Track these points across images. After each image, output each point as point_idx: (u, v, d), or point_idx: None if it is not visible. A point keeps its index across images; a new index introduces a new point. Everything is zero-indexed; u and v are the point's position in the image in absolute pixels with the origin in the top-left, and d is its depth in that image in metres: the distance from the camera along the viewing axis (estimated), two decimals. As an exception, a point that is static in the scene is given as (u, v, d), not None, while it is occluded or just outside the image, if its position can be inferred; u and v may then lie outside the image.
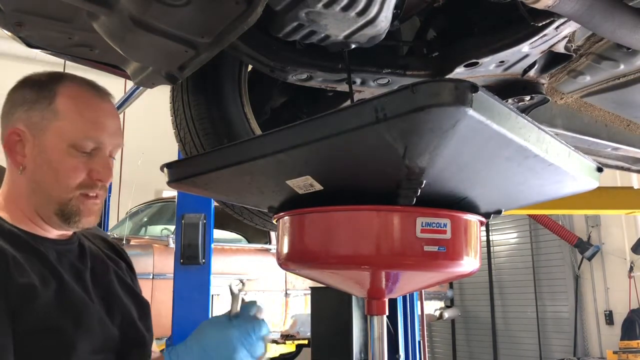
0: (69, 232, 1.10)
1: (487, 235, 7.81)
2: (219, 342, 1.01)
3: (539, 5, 1.05)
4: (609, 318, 6.50)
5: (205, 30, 1.09)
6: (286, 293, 5.19)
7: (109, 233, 4.64)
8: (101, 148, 1.05)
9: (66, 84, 1.05)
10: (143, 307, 1.16)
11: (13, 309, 0.89)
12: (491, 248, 7.84)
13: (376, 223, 0.87)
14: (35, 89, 1.04)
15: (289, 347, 5.38)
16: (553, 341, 7.00)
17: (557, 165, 0.83)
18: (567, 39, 1.37)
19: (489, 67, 1.43)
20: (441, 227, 0.87)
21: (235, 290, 1.07)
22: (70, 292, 0.98)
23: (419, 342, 3.99)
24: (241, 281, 1.07)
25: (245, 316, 1.07)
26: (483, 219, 0.98)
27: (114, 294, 1.09)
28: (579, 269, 6.82)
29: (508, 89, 1.58)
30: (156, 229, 5.26)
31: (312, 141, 0.78)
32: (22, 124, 1.02)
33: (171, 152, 2.33)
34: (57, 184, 1.01)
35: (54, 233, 1.06)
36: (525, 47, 1.34)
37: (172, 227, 4.43)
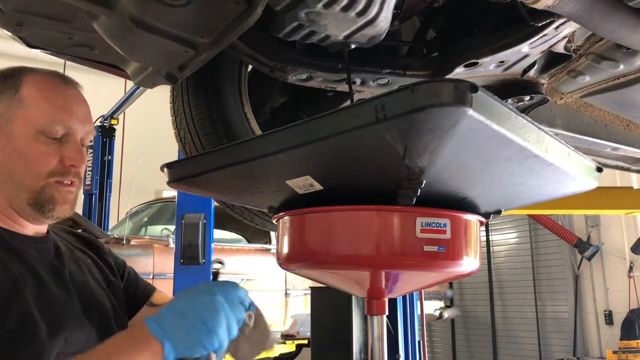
0: (44, 229, 1.09)
1: (487, 235, 7.81)
2: (202, 302, 0.90)
3: (538, 6, 1.05)
4: (609, 318, 6.50)
5: (205, 30, 1.09)
6: (286, 293, 5.19)
7: (109, 233, 4.63)
8: (71, 134, 1.03)
9: (31, 74, 1.05)
10: (116, 303, 1.14)
11: (1, 313, 0.87)
12: (491, 248, 7.84)
13: (376, 223, 0.87)
14: (0, 82, 1.03)
15: (289, 347, 5.38)
16: (553, 341, 7.00)
17: (557, 165, 0.83)
18: (567, 39, 1.37)
19: (489, 67, 1.43)
20: (441, 227, 0.87)
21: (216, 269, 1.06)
22: (48, 291, 0.97)
23: (419, 342, 3.99)
24: (220, 262, 1.06)
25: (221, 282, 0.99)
26: (483, 219, 0.98)
27: (90, 293, 1.07)
28: (578, 269, 6.83)
29: (508, 89, 1.58)
30: (156, 229, 5.26)
31: (312, 141, 0.78)
32: None
33: (171, 152, 2.33)
34: (28, 171, 0.99)
35: (30, 229, 1.05)
36: (525, 47, 1.34)
37: (172, 227, 4.43)
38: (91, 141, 1.13)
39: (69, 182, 1.03)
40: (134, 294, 1.23)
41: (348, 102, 1.57)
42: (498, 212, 1.03)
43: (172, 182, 1.06)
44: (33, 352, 0.89)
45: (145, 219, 5.38)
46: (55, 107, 1.02)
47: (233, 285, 0.95)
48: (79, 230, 1.25)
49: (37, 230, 1.07)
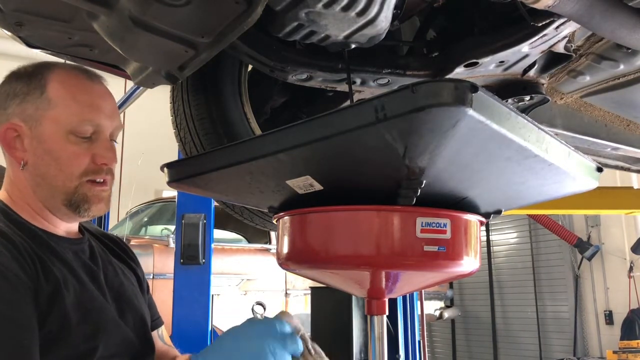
0: (76, 228, 1.09)
1: (487, 235, 7.82)
2: (250, 342, 0.91)
3: (539, 5, 1.05)
4: (609, 318, 6.50)
5: (205, 30, 1.09)
6: (286, 293, 5.19)
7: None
8: (100, 131, 1.03)
9: (55, 71, 1.03)
10: (148, 310, 1.15)
11: (41, 316, 0.87)
12: (491, 248, 7.84)
13: (376, 223, 0.87)
14: (25, 80, 1.02)
15: (289, 347, 5.37)
16: (553, 341, 7.00)
17: (557, 165, 0.83)
18: (567, 39, 1.37)
19: (489, 67, 1.43)
20: (441, 227, 0.87)
21: (258, 314, 1.02)
22: (89, 293, 0.97)
23: (419, 342, 3.99)
24: (262, 305, 1.03)
25: (265, 319, 0.99)
26: (483, 219, 0.98)
27: (125, 296, 1.07)
28: (578, 269, 6.83)
29: (508, 89, 1.58)
30: (156, 229, 5.26)
31: (312, 141, 0.78)
32: (18, 118, 1.00)
33: (171, 152, 2.33)
34: (61, 173, 0.99)
35: (63, 230, 1.05)
36: (525, 47, 1.34)
37: (172, 227, 4.42)
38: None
39: (102, 180, 1.03)
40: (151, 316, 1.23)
41: (348, 102, 1.56)
42: (498, 212, 1.03)
43: (172, 182, 1.06)
44: (72, 356, 0.89)
45: (145, 219, 5.38)
46: (83, 106, 1.01)
47: (278, 324, 0.94)
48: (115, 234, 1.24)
49: (69, 230, 1.07)
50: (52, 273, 0.91)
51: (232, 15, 1.03)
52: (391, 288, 0.95)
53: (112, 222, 5.42)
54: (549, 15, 1.22)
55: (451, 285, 7.62)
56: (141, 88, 3.72)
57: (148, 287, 1.23)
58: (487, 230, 7.83)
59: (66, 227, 1.06)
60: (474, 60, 1.39)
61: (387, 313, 0.97)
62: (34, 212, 1.02)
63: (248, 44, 1.32)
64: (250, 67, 1.67)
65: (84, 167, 1.00)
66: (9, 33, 1.25)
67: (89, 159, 1.01)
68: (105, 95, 1.07)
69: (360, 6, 1.07)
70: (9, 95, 1.02)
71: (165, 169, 1.06)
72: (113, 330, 0.97)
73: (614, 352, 5.98)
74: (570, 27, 1.29)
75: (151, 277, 4.27)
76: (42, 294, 0.88)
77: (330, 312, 3.70)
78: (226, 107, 1.61)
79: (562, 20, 1.23)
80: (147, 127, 6.42)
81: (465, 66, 1.41)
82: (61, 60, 1.26)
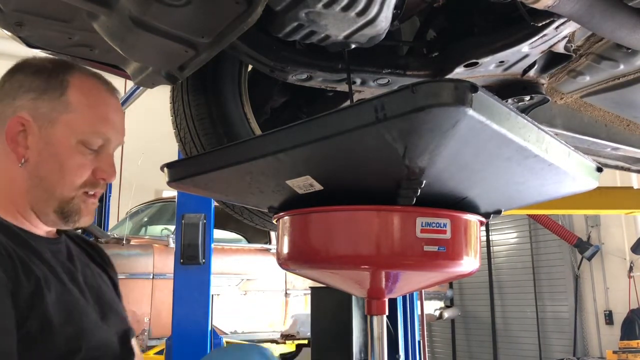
0: (54, 230, 1.07)
1: (487, 235, 7.81)
2: (235, 354, 0.94)
3: (539, 5, 1.05)
4: (609, 318, 6.50)
5: (205, 30, 1.09)
6: (286, 293, 5.19)
7: (109, 233, 4.63)
8: (107, 145, 1.02)
9: (76, 75, 1.01)
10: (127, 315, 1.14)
11: (21, 316, 0.85)
12: (491, 248, 7.84)
13: (376, 223, 0.87)
14: (44, 76, 0.99)
15: (289, 347, 5.38)
16: (553, 341, 7.00)
17: (557, 165, 0.83)
18: (567, 39, 1.37)
19: (489, 67, 1.43)
20: (441, 227, 0.87)
21: None
22: (70, 294, 0.96)
23: (419, 342, 3.99)
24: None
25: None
26: (483, 219, 0.98)
27: (105, 299, 1.06)
28: (578, 269, 6.83)
29: (508, 89, 1.58)
30: (156, 229, 5.26)
31: (312, 141, 0.78)
32: (28, 113, 0.96)
33: (171, 152, 2.33)
34: (62, 180, 0.97)
35: (42, 230, 1.03)
36: (525, 47, 1.34)
37: (172, 227, 4.43)
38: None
39: (94, 193, 1.02)
40: None
41: (348, 102, 1.56)
42: (498, 212, 1.03)
43: (172, 182, 1.06)
44: (52, 357, 0.88)
45: (145, 219, 5.38)
46: (98, 117, 1.00)
47: (263, 349, 0.96)
48: (91, 238, 1.23)
49: (48, 231, 1.05)
50: (32, 272, 0.90)
51: (232, 15, 1.03)
52: (391, 288, 0.95)
53: (112, 222, 5.43)
54: (549, 15, 1.22)
55: (451, 285, 7.61)
56: (141, 88, 3.72)
57: (121, 294, 1.20)
58: (487, 230, 7.83)
59: (46, 228, 1.04)
60: (474, 61, 1.39)
61: (387, 313, 0.98)
62: (16, 210, 0.98)
63: (248, 44, 1.32)
64: (250, 67, 1.67)
65: (84, 179, 0.99)
66: (9, 33, 1.25)
67: (90, 171, 1.00)
68: (118, 110, 1.06)
69: (360, 6, 1.07)
70: (22, 87, 0.99)
71: (165, 169, 1.06)
72: (95, 332, 0.96)
73: (614, 352, 5.97)
74: (570, 27, 1.29)
75: (151, 277, 4.27)
76: (22, 293, 0.86)
77: (330, 312, 3.70)
78: (226, 107, 1.61)
79: (562, 20, 1.23)
80: (147, 127, 6.43)
81: (465, 66, 1.41)
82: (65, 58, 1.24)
